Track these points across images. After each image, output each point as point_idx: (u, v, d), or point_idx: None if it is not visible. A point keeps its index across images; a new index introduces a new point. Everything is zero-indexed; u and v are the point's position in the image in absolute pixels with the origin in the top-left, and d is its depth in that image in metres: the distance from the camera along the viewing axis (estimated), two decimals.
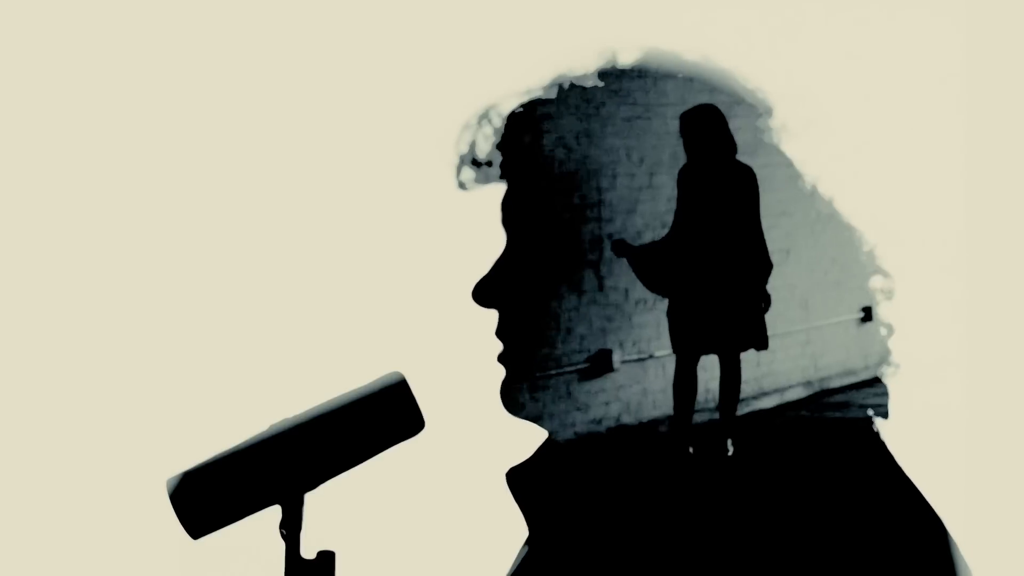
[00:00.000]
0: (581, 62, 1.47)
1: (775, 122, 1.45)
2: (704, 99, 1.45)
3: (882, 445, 1.45)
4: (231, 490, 1.38)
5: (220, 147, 2.55)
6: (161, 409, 2.60)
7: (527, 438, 1.56)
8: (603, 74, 1.47)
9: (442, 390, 1.51)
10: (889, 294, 1.47)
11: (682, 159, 1.45)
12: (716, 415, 1.48)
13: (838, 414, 1.52)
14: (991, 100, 2.17)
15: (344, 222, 2.40)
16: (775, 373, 1.50)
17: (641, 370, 1.48)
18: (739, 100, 1.46)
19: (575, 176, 1.46)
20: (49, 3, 2.61)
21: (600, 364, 1.48)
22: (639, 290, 1.46)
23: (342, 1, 2.44)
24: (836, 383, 1.54)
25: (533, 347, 1.49)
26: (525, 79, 1.48)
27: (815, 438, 1.48)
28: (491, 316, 1.52)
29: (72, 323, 2.66)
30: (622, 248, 1.46)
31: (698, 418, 1.48)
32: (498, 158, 1.49)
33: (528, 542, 1.53)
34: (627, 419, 1.49)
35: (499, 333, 1.51)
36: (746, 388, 1.49)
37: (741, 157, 1.46)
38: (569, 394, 1.49)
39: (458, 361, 1.55)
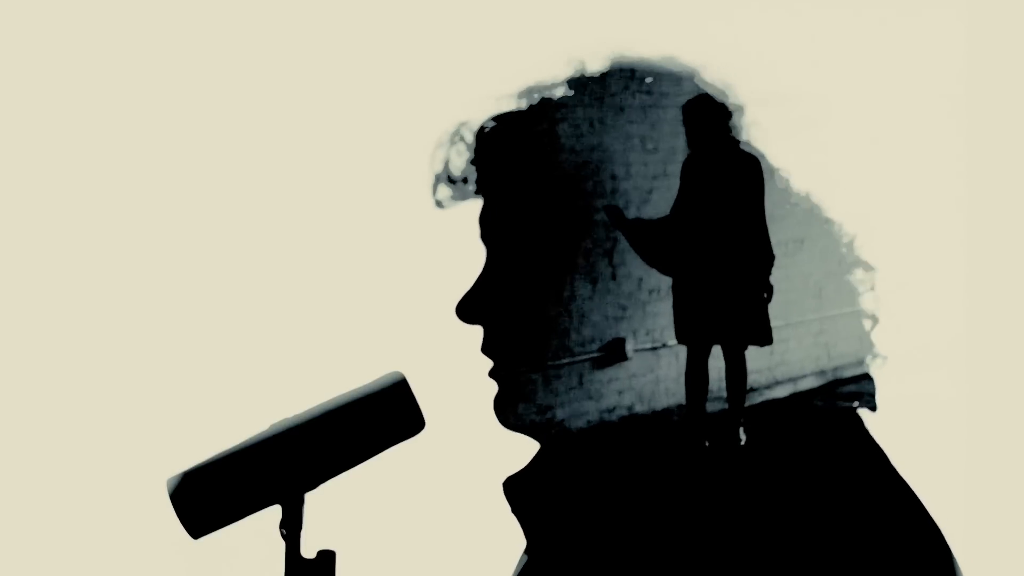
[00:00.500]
0: (550, 70, 1.47)
1: (746, 119, 1.45)
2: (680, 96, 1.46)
3: (871, 438, 1.45)
4: (231, 490, 1.38)
5: (220, 150, 2.55)
6: (161, 409, 2.60)
7: (527, 439, 1.56)
8: (573, 82, 1.47)
9: (442, 390, 1.51)
10: (871, 285, 1.47)
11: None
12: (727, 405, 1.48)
13: (851, 404, 1.52)
14: (991, 98, 2.17)
15: (345, 221, 2.40)
16: (788, 363, 1.50)
17: (654, 359, 1.48)
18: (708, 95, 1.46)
19: (586, 166, 1.46)
20: (47, 3, 2.61)
21: (613, 353, 1.48)
22: (652, 279, 1.47)
23: (323, 11, 2.44)
24: (849, 373, 1.54)
25: (530, 350, 1.49)
26: (500, 87, 1.48)
27: (827, 427, 1.48)
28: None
29: (72, 324, 2.66)
30: (615, 216, 1.45)
31: (713, 407, 1.48)
32: (473, 174, 1.49)
33: (528, 551, 1.53)
34: (640, 408, 1.49)
35: (485, 349, 1.51)
36: (759, 377, 1.49)
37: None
38: (582, 383, 1.49)
39: (458, 361, 1.55)
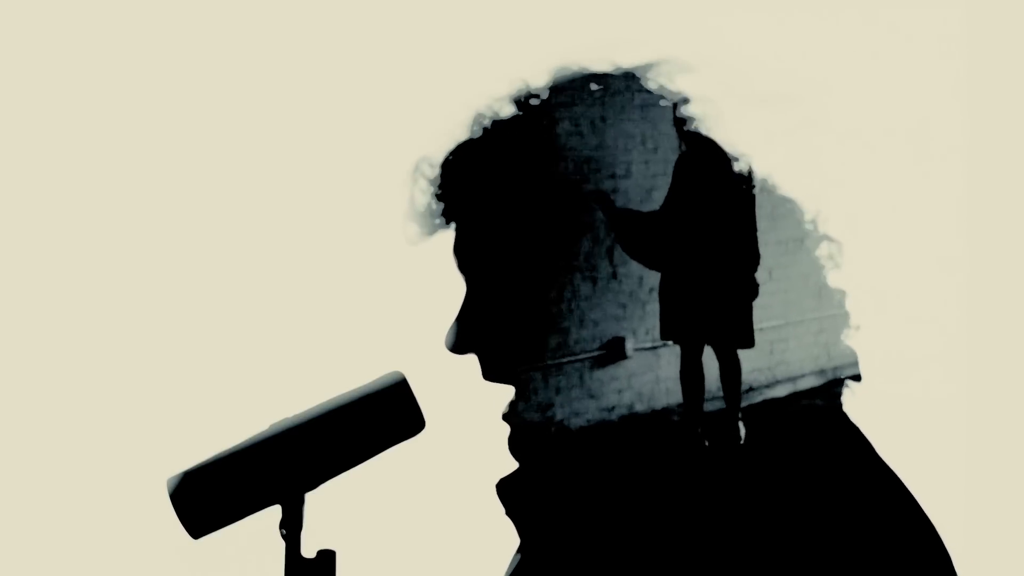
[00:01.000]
0: (543, 70, 1.47)
1: (694, 111, 1.45)
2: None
3: (861, 435, 1.45)
4: (232, 490, 1.38)
5: (221, 155, 2.55)
6: (161, 409, 2.60)
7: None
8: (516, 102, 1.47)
9: (443, 390, 1.50)
10: (836, 261, 1.47)
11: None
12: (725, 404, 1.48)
13: (838, 398, 1.52)
14: (991, 98, 2.17)
15: (345, 221, 2.40)
16: (788, 362, 1.50)
17: (654, 358, 1.48)
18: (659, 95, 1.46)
19: (587, 164, 1.45)
20: (45, 3, 2.61)
21: (613, 352, 1.48)
22: (653, 278, 1.47)
23: (323, 11, 2.44)
24: (848, 372, 1.54)
25: (529, 350, 1.49)
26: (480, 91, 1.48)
27: (826, 426, 1.48)
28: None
29: (72, 324, 2.66)
30: (601, 200, 1.45)
31: (712, 406, 1.48)
32: (439, 208, 1.49)
33: (520, 550, 1.53)
34: (640, 407, 1.49)
35: (486, 375, 1.51)
36: (758, 376, 1.48)
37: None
38: (581, 382, 1.48)
39: (458, 360, 1.55)
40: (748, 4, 1.69)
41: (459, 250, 1.51)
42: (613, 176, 1.46)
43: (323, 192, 2.44)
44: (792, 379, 1.50)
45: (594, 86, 1.46)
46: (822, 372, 1.53)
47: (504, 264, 1.47)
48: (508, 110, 1.46)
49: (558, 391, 1.48)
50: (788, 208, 1.47)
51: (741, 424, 1.47)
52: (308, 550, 1.39)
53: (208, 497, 1.37)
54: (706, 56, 1.47)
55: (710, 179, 1.45)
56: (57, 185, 2.65)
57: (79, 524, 2.66)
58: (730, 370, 1.48)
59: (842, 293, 1.48)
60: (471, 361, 1.52)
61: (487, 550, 1.64)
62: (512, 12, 1.80)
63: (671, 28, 1.53)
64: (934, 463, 1.48)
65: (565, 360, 1.48)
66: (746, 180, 1.44)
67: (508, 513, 1.52)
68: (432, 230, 1.50)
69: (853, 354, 1.50)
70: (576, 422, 1.48)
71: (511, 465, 1.55)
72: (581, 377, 1.48)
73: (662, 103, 1.45)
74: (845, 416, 1.47)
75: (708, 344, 1.48)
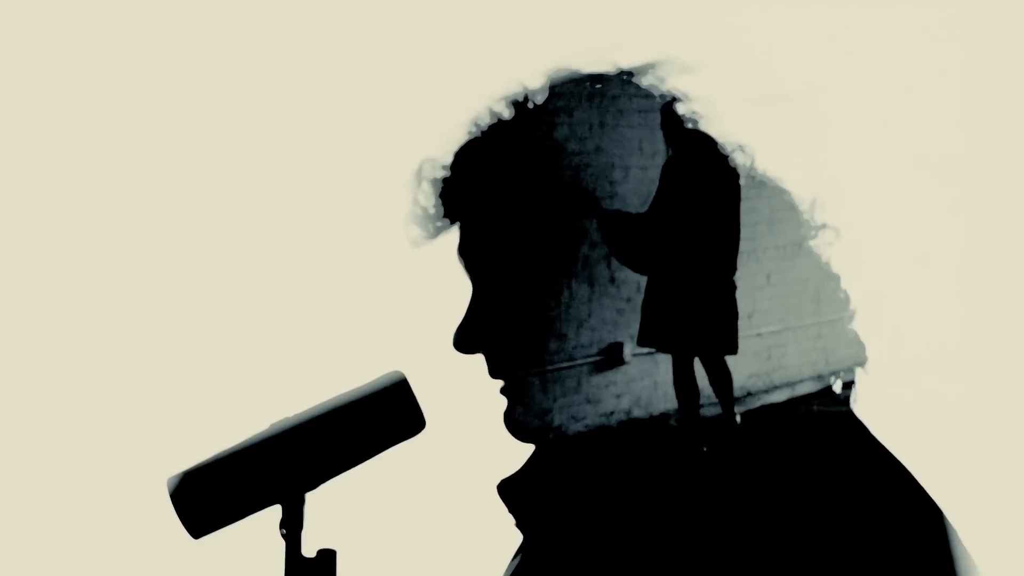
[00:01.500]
0: (542, 72, 1.47)
1: (688, 110, 1.45)
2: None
3: (872, 437, 1.45)
4: (232, 490, 1.38)
5: (220, 150, 2.55)
6: (161, 409, 2.60)
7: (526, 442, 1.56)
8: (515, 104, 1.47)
9: (443, 390, 1.51)
10: (836, 266, 1.47)
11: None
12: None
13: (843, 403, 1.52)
14: (991, 98, 2.17)
15: (345, 220, 2.41)
16: (786, 367, 1.50)
17: (652, 363, 1.48)
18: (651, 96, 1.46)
19: (585, 169, 1.46)
20: (44, 4, 2.61)
21: (611, 357, 1.48)
22: None
23: (323, 11, 2.44)
24: (847, 377, 1.54)
25: (528, 356, 1.49)
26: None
27: (825, 431, 1.48)
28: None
29: (72, 324, 2.66)
30: (590, 202, 1.45)
31: (710, 412, 1.48)
32: (442, 209, 1.49)
33: (521, 550, 1.53)
34: (638, 412, 1.49)
35: (492, 374, 1.51)
36: (756, 382, 1.48)
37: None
38: (579, 387, 1.49)
39: (459, 360, 1.55)
40: (748, 5, 1.68)
41: (464, 251, 1.51)
42: (612, 182, 1.46)
43: (323, 193, 2.44)
44: (791, 384, 1.50)
45: (592, 88, 1.46)
46: (820, 377, 1.53)
47: (507, 265, 1.48)
48: (507, 112, 1.46)
49: (556, 396, 1.49)
50: (787, 212, 1.47)
51: (738, 416, 1.47)
52: (308, 550, 1.40)
53: (208, 497, 1.38)
54: (705, 56, 1.47)
55: (695, 184, 1.45)
56: (57, 185, 2.65)
57: (79, 524, 2.66)
58: (718, 376, 1.48)
59: (841, 298, 1.48)
60: (471, 361, 1.52)
61: (487, 550, 1.64)
62: (511, 13, 1.80)
63: (670, 28, 1.53)
64: (936, 466, 1.48)
65: (564, 366, 1.48)
66: (734, 179, 1.44)
67: (511, 511, 1.52)
68: (435, 232, 1.51)
69: (852, 359, 1.50)
70: (575, 427, 1.48)
71: (511, 465, 1.55)
72: (579, 382, 1.49)
73: (657, 105, 1.45)
74: (849, 418, 1.47)
75: (686, 350, 1.48)
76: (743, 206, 1.46)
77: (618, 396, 1.48)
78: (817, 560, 1.34)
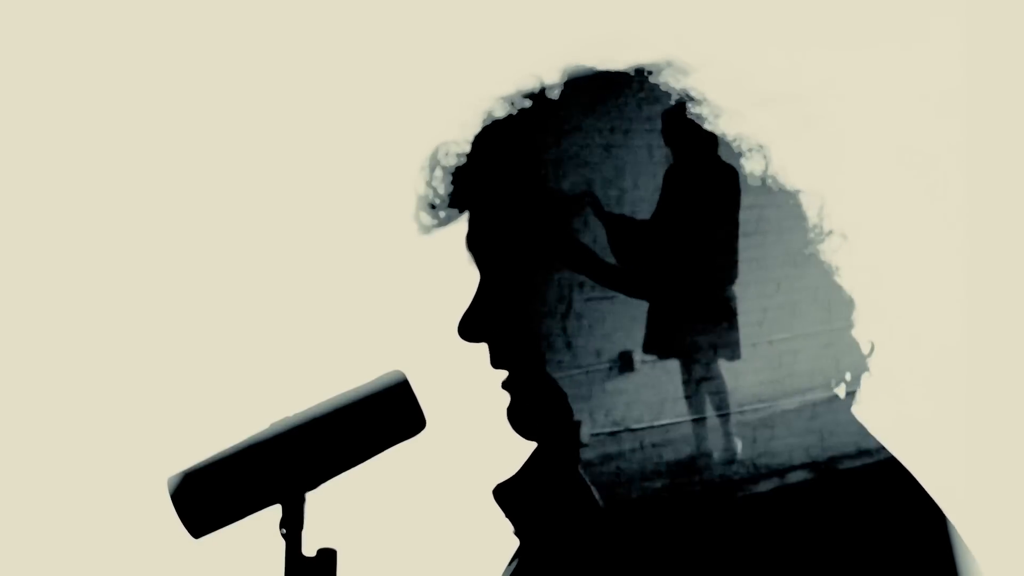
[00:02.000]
0: (547, 72, 1.46)
1: (705, 109, 1.44)
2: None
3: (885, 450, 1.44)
4: (232, 490, 1.38)
5: (220, 153, 2.54)
6: (161, 409, 2.60)
7: (525, 442, 1.56)
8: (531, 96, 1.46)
9: (443, 390, 1.50)
10: (846, 273, 1.47)
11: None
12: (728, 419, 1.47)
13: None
14: (990, 105, 2.17)
15: (345, 220, 2.40)
16: (796, 374, 1.49)
17: (663, 371, 1.48)
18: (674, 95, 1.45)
19: (593, 175, 1.45)
20: (43, 4, 2.61)
21: (622, 365, 1.47)
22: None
23: (323, 10, 2.44)
24: (857, 385, 1.53)
25: (536, 360, 1.48)
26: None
27: (837, 440, 1.47)
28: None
29: (72, 324, 2.66)
30: (596, 206, 1.45)
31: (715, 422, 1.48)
32: (450, 199, 1.48)
33: (518, 554, 1.53)
34: (648, 420, 1.48)
35: (495, 364, 1.51)
36: (765, 390, 1.48)
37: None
38: (590, 394, 1.48)
39: (459, 360, 1.55)
40: (747, 6, 1.68)
41: (472, 240, 1.50)
42: (622, 189, 1.45)
43: (323, 191, 2.44)
44: (801, 392, 1.50)
45: (603, 88, 1.46)
46: (831, 385, 1.53)
47: (515, 257, 1.47)
48: (523, 104, 1.46)
49: (567, 401, 1.49)
50: (795, 221, 1.46)
51: (737, 440, 1.46)
52: (308, 549, 1.40)
53: (209, 497, 1.38)
54: (705, 56, 1.47)
55: (696, 190, 1.45)
56: (57, 185, 2.65)
57: (79, 524, 2.66)
58: (712, 384, 1.47)
59: (851, 305, 1.48)
60: (472, 361, 1.52)
61: (488, 550, 1.64)
62: (527, 7, 1.80)
63: (668, 28, 1.53)
64: (936, 468, 1.48)
65: (574, 372, 1.48)
66: (733, 182, 1.44)
67: (508, 516, 1.52)
68: (444, 220, 1.50)
69: (861, 366, 1.50)
70: (584, 432, 1.48)
71: (512, 465, 1.55)
72: (590, 389, 1.48)
73: (664, 110, 1.45)
74: (861, 428, 1.46)
75: (691, 356, 1.47)
76: (752, 214, 1.46)
77: (628, 404, 1.48)
78: (818, 562, 1.33)
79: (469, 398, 1.59)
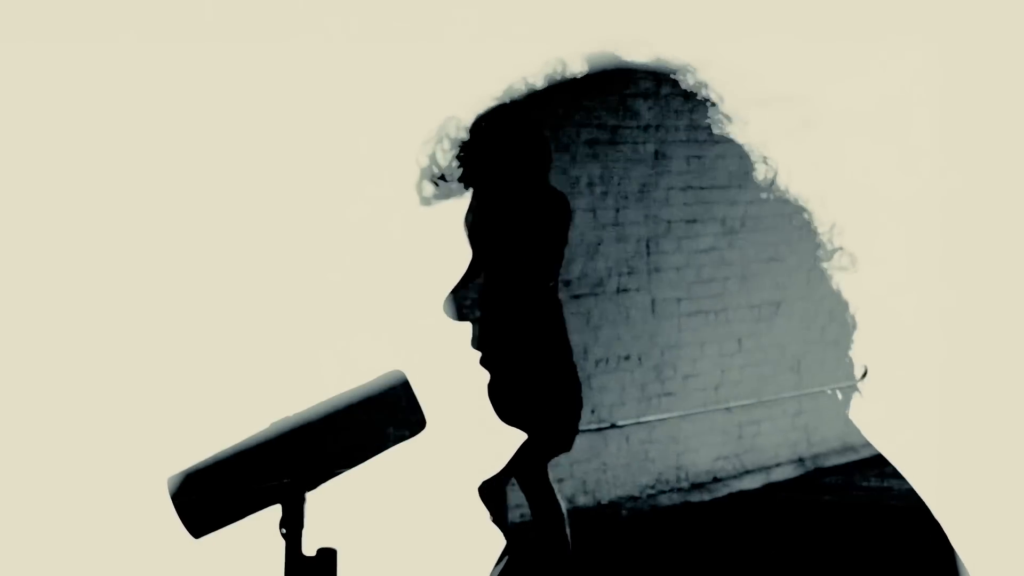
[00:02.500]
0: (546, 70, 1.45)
1: (725, 110, 1.41)
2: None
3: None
4: (232, 490, 1.38)
5: (219, 153, 2.55)
6: (161, 409, 2.60)
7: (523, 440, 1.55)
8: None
9: (443, 389, 1.50)
10: (852, 267, 1.37)
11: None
12: (686, 496, 1.32)
13: (835, 498, 1.31)
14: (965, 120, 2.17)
15: (345, 220, 2.41)
16: (760, 448, 1.29)
17: (601, 441, 1.33)
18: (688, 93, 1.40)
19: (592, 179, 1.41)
20: (43, 4, 2.61)
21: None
22: (601, 348, 1.31)
23: (322, 10, 2.44)
24: (833, 461, 1.32)
25: (525, 344, 1.47)
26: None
27: (810, 524, 1.27)
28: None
29: (73, 324, 2.66)
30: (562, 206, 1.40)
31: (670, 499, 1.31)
32: (456, 172, 1.46)
33: (506, 551, 1.53)
34: (582, 501, 1.34)
35: (477, 344, 1.48)
36: (725, 465, 1.30)
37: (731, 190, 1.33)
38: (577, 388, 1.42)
39: (459, 360, 1.55)
40: (747, 7, 1.69)
41: (470, 217, 1.49)
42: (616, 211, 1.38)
43: (323, 191, 2.44)
44: (765, 469, 1.30)
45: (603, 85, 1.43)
46: (801, 461, 1.33)
47: (508, 239, 1.45)
48: (542, 85, 1.44)
49: (553, 389, 1.45)
50: (763, 265, 1.28)
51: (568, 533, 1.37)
52: (308, 549, 1.40)
53: (209, 497, 1.38)
54: (705, 56, 1.47)
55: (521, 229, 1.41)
56: (56, 185, 2.65)
57: (80, 524, 2.66)
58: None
59: (827, 367, 1.30)
60: (472, 361, 1.51)
61: (488, 550, 1.64)
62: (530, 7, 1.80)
63: (669, 28, 1.53)
64: (934, 471, 1.47)
65: (560, 363, 1.44)
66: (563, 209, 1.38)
67: (491, 513, 1.51)
68: (446, 193, 1.48)
69: (838, 440, 1.31)
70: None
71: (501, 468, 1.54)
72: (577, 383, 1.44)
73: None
74: (836, 510, 1.30)
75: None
76: (712, 257, 1.29)
77: (559, 480, 1.36)
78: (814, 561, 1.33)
79: (470, 398, 1.59)
